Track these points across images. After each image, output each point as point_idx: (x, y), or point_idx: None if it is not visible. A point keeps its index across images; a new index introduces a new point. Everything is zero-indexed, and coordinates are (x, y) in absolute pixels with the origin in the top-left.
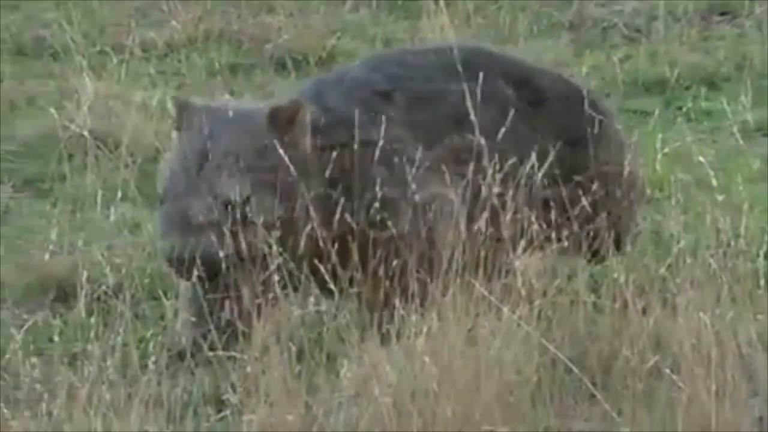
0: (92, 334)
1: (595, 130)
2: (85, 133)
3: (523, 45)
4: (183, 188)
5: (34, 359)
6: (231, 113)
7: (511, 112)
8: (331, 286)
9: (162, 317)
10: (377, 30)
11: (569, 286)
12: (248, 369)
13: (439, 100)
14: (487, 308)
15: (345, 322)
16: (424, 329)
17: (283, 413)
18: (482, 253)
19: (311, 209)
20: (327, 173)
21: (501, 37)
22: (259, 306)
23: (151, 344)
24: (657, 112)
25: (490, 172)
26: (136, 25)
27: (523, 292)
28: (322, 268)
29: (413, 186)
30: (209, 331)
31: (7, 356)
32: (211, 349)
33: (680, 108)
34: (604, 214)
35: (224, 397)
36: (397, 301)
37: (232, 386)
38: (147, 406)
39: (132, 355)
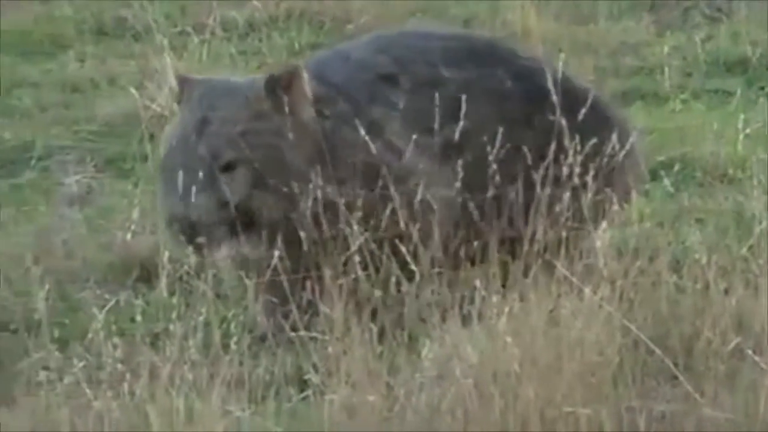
0: (174, 315)
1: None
2: (166, 112)
3: (603, 25)
4: (182, 155)
5: (116, 339)
6: (229, 84)
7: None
8: (413, 266)
9: (244, 297)
10: (457, 10)
11: (651, 267)
12: (330, 349)
13: (443, 87)
14: (569, 289)
15: (426, 303)
16: (506, 310)
17: (365, 394)
18: (563, 234)
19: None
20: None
21: (582, 18)
22: (340, 286)
23: (233, 324)
24: (739, 92)
25: (571, 152)
26: (218, 4)
27: (605, 273)
28: (403, 249)
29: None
30: (291, 311)
31: (90, 336)
32: (293, 329)
33: (762, 88)
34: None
35: (306, 378)
36: (478, 282)
37: (314, 366)
38: (229, 386)
39: (214, 335)
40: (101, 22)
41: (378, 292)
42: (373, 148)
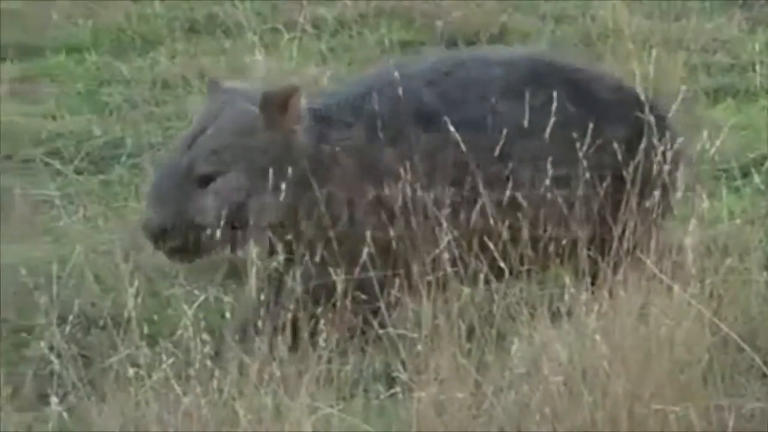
0: (263, 311)
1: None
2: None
3: (694, 22)
4: (168, 162)
5: (205, 336)
6: (238, 95)
7: None
8: (501, 263)
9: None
10: (547, 7)
11: (741, 265)
12: (418, 347)
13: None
14: (659, 286)
15: (515, 300)
16: (595, 308)
17: (453, 391)
18: (653, 232)
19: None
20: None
21: (672, 14)
22: (429, 284)
23: (321, 321)
24: None
25: (661, 149)
26: (308, 2)
27: (694, 271)
28: (491, 246)
29: None
30: (379, 308)
31: (179, 332)
32: (382, 326)
33: None
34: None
35: (394, 375)
36: (567, 279)
37: (402, 364)
38: (317, 383)
39: (302, 332)
40: (192, 19)
41: (467, 290)
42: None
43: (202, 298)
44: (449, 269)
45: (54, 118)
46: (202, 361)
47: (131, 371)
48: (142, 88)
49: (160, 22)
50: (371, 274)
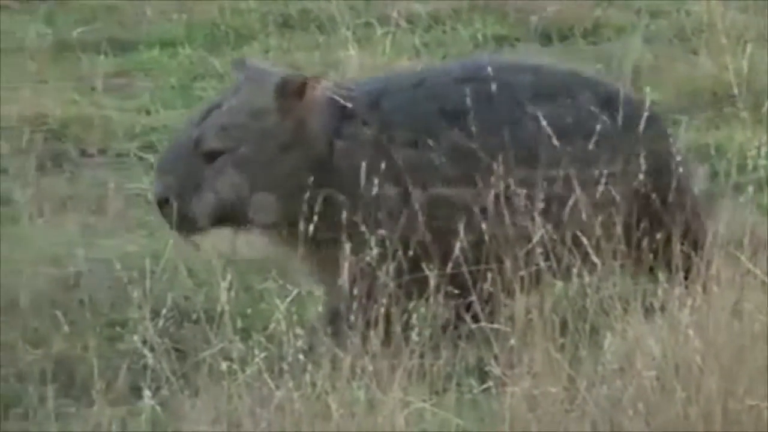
0: (355, 306)
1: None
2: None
3: None
4: (182, 132)
5: (298, 330)
6: (260, 75)
7: None
8: (594, 258)
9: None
10: (642, 2)
11: None
12: (511, 341)
13: (518, 127)
14: (753, 282)
15: (608, 295)
16: (689, 302)
17: (546, 386)
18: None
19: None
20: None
21: (767, 9)
22: (521, 278)
23: (414, 316)
24: None
25: (756, 143)
26: None
27: None
28: (584, 241)
29: None
30: (472, 303)
31: (272, 326)
32: (475, 321)
33: None
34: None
35: (487, 369)
36: (660, 274)
37: (495, 358)
38: (410, 377)
39: (395, 326)
40: (286, 14)
41: (560, 284)
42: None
43: (295, 292)
44: (542, 264)
45: (148, 112)
46: (294, 355)
47: (224, 365)
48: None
49: (253, 17)
50: (464, 268)
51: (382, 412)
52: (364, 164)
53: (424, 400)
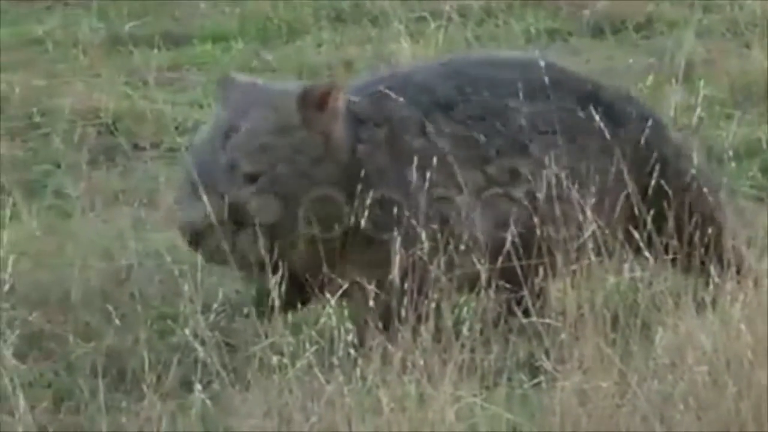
0: (406, 300)
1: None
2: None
3: None
4: (204, 161)
5: (348, 324)
6: (266, 91)
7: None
8: (646, 253)
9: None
10: None
11: None
12: (562, 336)
13: (504, 119)
14: None
15: (660, 290)
16: (740, 297)
17: (597, 380)
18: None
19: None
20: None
21: None
22: (573, 272)
23: (464, 310)
24: None
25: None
26: None
27: None
28: (636, 235)
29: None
30: (523, 297)
31: (323, 320)
32: (525, 315)
33: None
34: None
35: (538, 364)
36: (712, 269)
37: (546, 353)
38: (460, 372)
39: (446, 320)
40: (339, 8)
41: (611, 279)
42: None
43: (345, 286)
44: (594, 258)
45: (200, 106)
46: (345, 349)
47: (275, 359)
48: (288, 76)
49: (306, 11)
50: (515, 263)
51: (432, 406)
52: (387, 162)
53: (474, 395)
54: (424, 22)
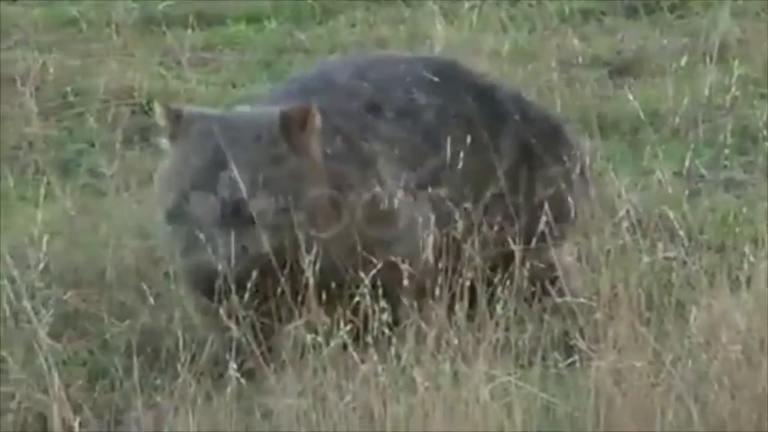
0: (440, 279)
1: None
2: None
3: None
4: (200, 203)
5: (382, 303)
6: (237, 121)
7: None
8: (680, 232)
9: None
10: None
11: None
12: (597, 315)
13: (418, 116)
14: None
15: (694, 269)
16: None
17: (632, 360)
18: None
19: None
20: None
21: None
22: (607, 252)
23: (499, 289)
24: None
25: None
26: None
27: None
28: (671, 215)
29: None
30: (557, 277)
31: (356, 299)
32: (560, 295)
33: None
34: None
35: (572, 343)
36: (746, 248)
37: (581, 332)
38: (495, 351)
39: (480, 300)
40: None
41: (646, 258)
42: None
43: (379, 265)
44: (628, 238)
45: (234, 86)
46: (379, 328)
47: (309, 338)
48: (321, 57)
49: None
50: (548, 242)
51: (466, 385)
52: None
53: (509, 374)
54: (458, 2)
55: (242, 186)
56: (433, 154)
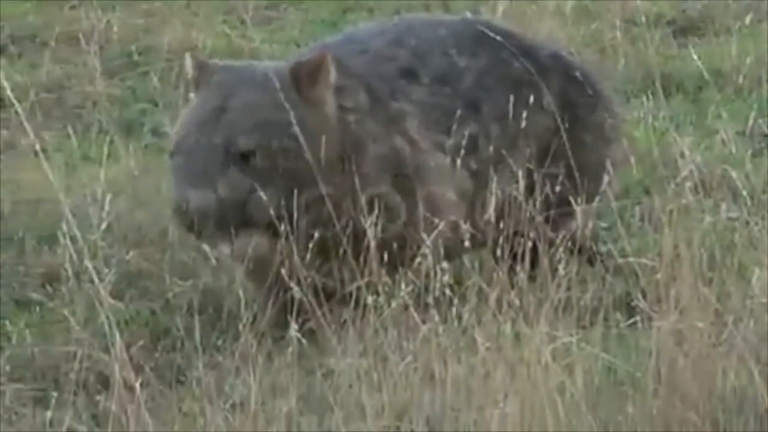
0: (502, 239)
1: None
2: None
3: None
4: (197, 143)
5: (444, 264)
6: (251, 71)
7: None
8: (743, 192)
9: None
10: None
11: None
12: (659, 275)
13: (458, 81)
14: None
15: (757, 229)
16: None
17: (693, 320)
18: None
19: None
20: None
21: None
22: (670, 212)
23: (560, 249)
24: None
25: None
26: None
27: None
28: (734, 174)
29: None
30: (619, 236)
31: (418, 260)
32: (622, 255)
33: None
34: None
35: (634, 304)
36: None
37: (642, 292)
38: (556, 311)
39: (541, 259)
40: None
41: (708, 218)
42: (398, 141)
43: (441, 225)
44: (691, 198)
45: (297, 45)
46: (441, 289)
47: (370, 299)
48: (385, 16)
49: None
50: (611, 203)
51: (528, 346)
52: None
53: (570, 335)
54: None
55: (237, 127)
56: (472, 119)
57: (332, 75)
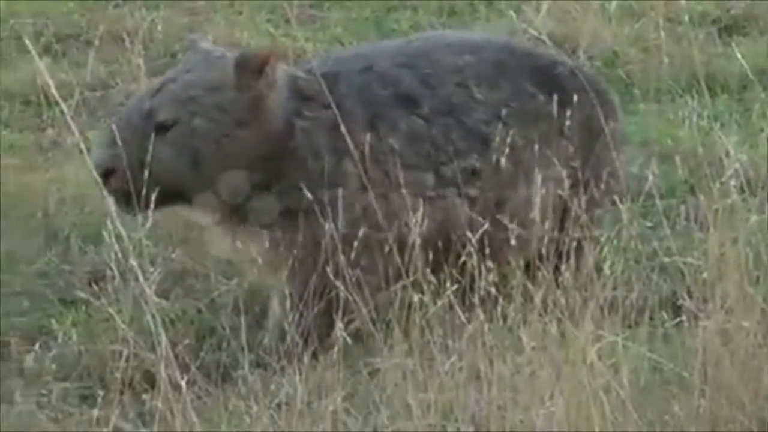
0: (546, 239)
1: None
2: (543, 36)
3: None
4: (130, 107)
5: (489, 263)
6: (215, 54)
7: None
8: None
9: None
10: None
11: None
12: (705, 275)
13: (466, 113)
14: None
15: None
16: None
17: (740, 319)
18: None
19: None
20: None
21: None
22: (716, 211)
23: (606, 248)
24: None
25: None
26: None
27: None
28: None
29: None
30: (664, 236)
31: (463, 259)
32: (667, 254)
33: None
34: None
35: (680, 303)
36: None
37: (688, 292)
38: (602, 310)
39: (587, 258)
40: None
41: (754, 217)
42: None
43: (486, 225)
44: (736, 196)
45: (341, 43)
46: (486, 287)
47: (416, 298)
48: (429, 14)
49: None
50: (657, 201)
51: (573, 345)
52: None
53: (616, 334)
54: None
55: (165, 98)
56: (476, 152)
57: (278, 73)
